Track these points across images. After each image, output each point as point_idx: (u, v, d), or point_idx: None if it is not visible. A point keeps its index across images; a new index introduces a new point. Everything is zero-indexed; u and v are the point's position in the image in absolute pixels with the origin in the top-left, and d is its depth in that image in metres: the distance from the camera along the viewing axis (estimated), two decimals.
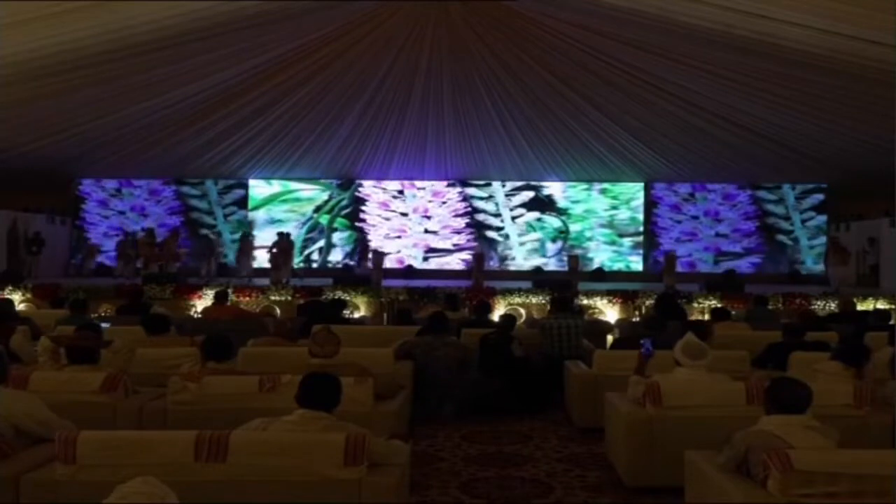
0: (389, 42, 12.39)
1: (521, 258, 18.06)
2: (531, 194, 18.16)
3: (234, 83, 12.83)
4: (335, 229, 18.22)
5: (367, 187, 18.19)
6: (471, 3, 11.31)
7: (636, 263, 18.04)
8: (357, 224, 18.17)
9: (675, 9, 9.23)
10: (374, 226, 18.20)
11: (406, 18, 11.75)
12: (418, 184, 18.17)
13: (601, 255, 18.02)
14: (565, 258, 17.20)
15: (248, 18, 10.19)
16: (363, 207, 18.22)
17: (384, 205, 18.22)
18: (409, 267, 17.61)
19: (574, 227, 18.16)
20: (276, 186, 18.23)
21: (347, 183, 18.12)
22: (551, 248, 18.10)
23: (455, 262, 18.00)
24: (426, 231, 18.18)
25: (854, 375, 4.52)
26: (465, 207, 18.20)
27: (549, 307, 10.03)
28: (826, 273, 15.71)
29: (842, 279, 14.19)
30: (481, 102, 14.45)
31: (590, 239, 18.11)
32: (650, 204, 18.11)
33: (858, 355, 4.67)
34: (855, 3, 7.94)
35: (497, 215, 18.19)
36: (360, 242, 17.78)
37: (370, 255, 15.67)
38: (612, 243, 18.15)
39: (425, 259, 18.07)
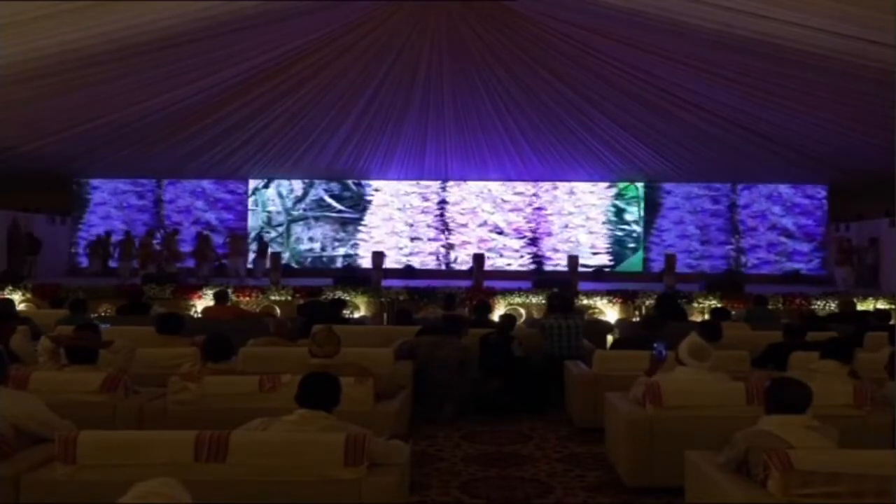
0: (389, 42, 12.38)
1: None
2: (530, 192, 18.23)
3: (234, 83, 12.82)
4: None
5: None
6: (471, 3, 11.31)
7: (636, 263, 18.06)
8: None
9: (675, 9, 9.21)
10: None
11: (406, 18, 11.74)
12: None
13: (601, 254, 18.06)
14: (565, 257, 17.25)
15: (248, 18, 10.19)
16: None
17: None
18: (409, 267, 17.61)
19: (574, 224, 18.18)
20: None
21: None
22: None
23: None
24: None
25: (849, 373, 4.53)
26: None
27: (547, 307, 10.03)
28: (832, 274, 15.76)
29: (843, 279, 14.22)
30: (481, 102, 14.44)
31: (590, 236, 18.14)
32: (650, 203, 18.16)
33: (846, 350, 4.67)
34: (855, 3, 7.93)
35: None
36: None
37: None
38: (614, 242, 18.18)
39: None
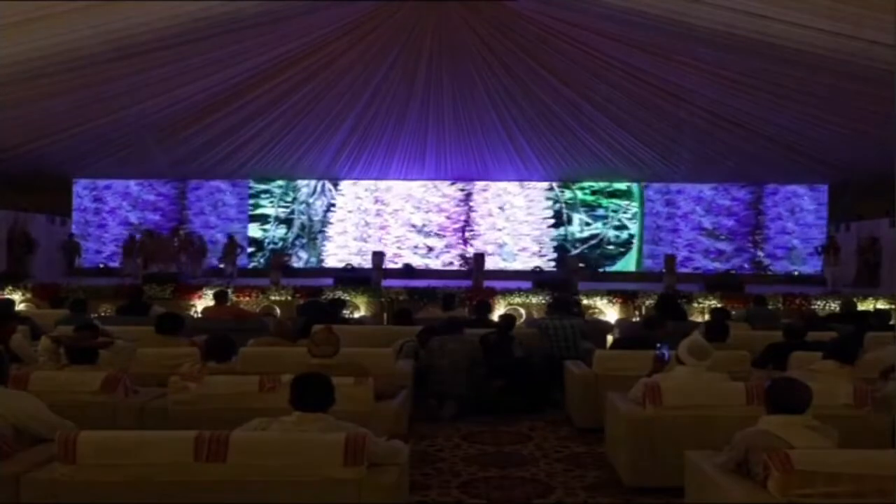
0: (389, 42, 12.39)
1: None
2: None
3: (234, 83, 12.84)
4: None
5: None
6: (471, 3, 11.31)
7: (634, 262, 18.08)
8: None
9: (675, 9, 9.23)
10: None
11: (405, 19, 11.75)
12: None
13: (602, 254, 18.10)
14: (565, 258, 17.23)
15: (248, 19, 10.19)
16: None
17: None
18: (409, 267, 17.61)
19: (574, 224, 18.18)
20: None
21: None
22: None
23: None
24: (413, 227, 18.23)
25: (849, 373, 4.53)
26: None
27: (547, 307, 10.05)
28: (824, 273, 15.78)
29: (835, 279, 14.26)
30: (481, 102, 14.45)
31: (591, 237, 18.14)
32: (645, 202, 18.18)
33: (849, 352, 4.66)
34: (855, 3, 7.94)
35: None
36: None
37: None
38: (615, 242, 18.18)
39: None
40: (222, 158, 16.44)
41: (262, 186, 18.28)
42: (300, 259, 18.04)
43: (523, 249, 18.01)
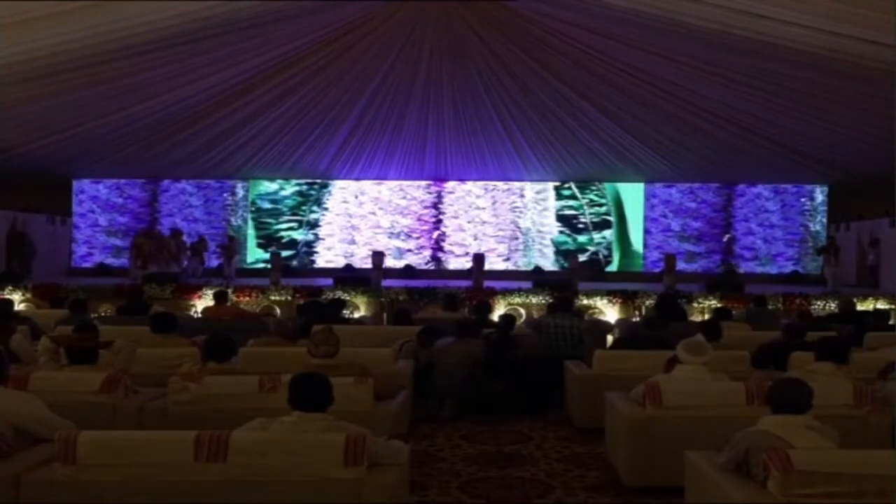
0: (389, 43, 12.38)
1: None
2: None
3: (234, 83, 12.83)
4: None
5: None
6: (471, 3, 11.30)
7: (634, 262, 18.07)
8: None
9: (674, 9, 9.22)
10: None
11: (405, 19, 11.74)
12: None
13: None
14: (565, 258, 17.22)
15: (247, 19, 10.19)
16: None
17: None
18: (409, 267, 17.61)
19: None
20: None
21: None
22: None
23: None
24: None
25: (847, 373, 4.53)
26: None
27: (546, 307, 10.05)
28: (823, 273, 15.79)
29: (835, 279, 14.27)
30: (481, 102, 14.45)
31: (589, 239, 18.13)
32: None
33: (840, 352, 4.63)
34: (855, 3, 7.93)
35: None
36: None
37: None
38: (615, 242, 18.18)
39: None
40: (223, 158, 16.43)
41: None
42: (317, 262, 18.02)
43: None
